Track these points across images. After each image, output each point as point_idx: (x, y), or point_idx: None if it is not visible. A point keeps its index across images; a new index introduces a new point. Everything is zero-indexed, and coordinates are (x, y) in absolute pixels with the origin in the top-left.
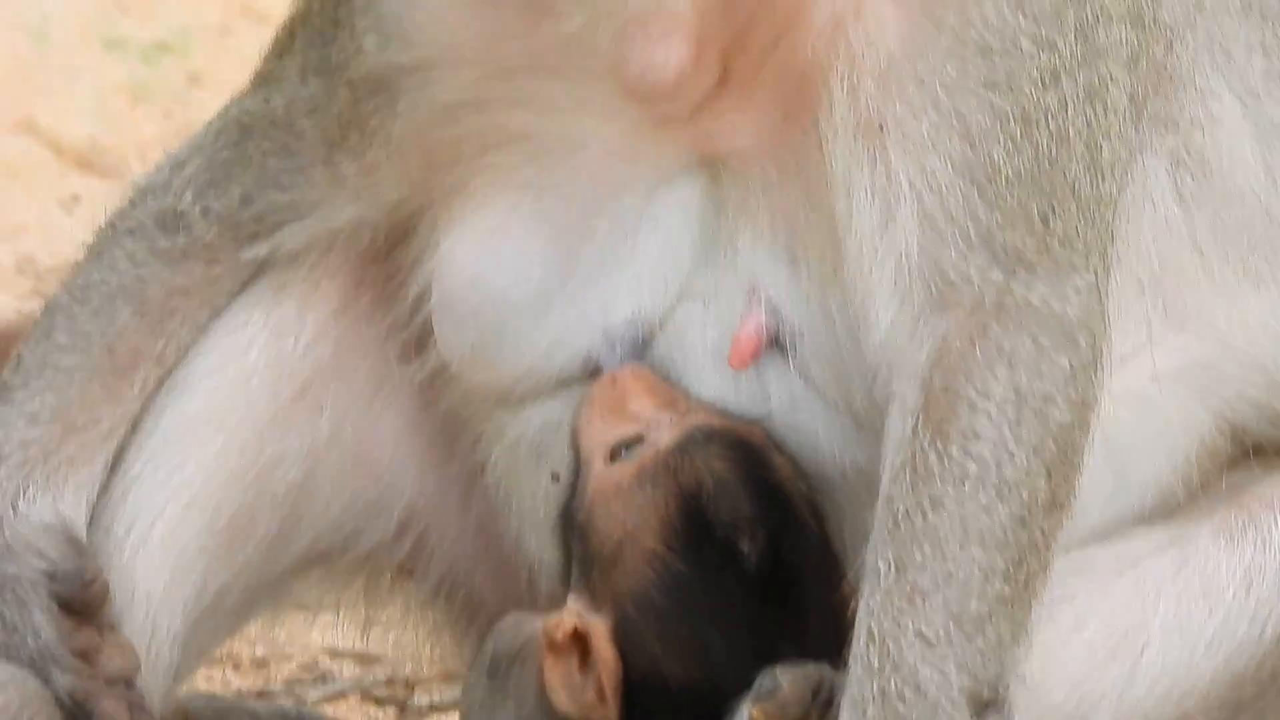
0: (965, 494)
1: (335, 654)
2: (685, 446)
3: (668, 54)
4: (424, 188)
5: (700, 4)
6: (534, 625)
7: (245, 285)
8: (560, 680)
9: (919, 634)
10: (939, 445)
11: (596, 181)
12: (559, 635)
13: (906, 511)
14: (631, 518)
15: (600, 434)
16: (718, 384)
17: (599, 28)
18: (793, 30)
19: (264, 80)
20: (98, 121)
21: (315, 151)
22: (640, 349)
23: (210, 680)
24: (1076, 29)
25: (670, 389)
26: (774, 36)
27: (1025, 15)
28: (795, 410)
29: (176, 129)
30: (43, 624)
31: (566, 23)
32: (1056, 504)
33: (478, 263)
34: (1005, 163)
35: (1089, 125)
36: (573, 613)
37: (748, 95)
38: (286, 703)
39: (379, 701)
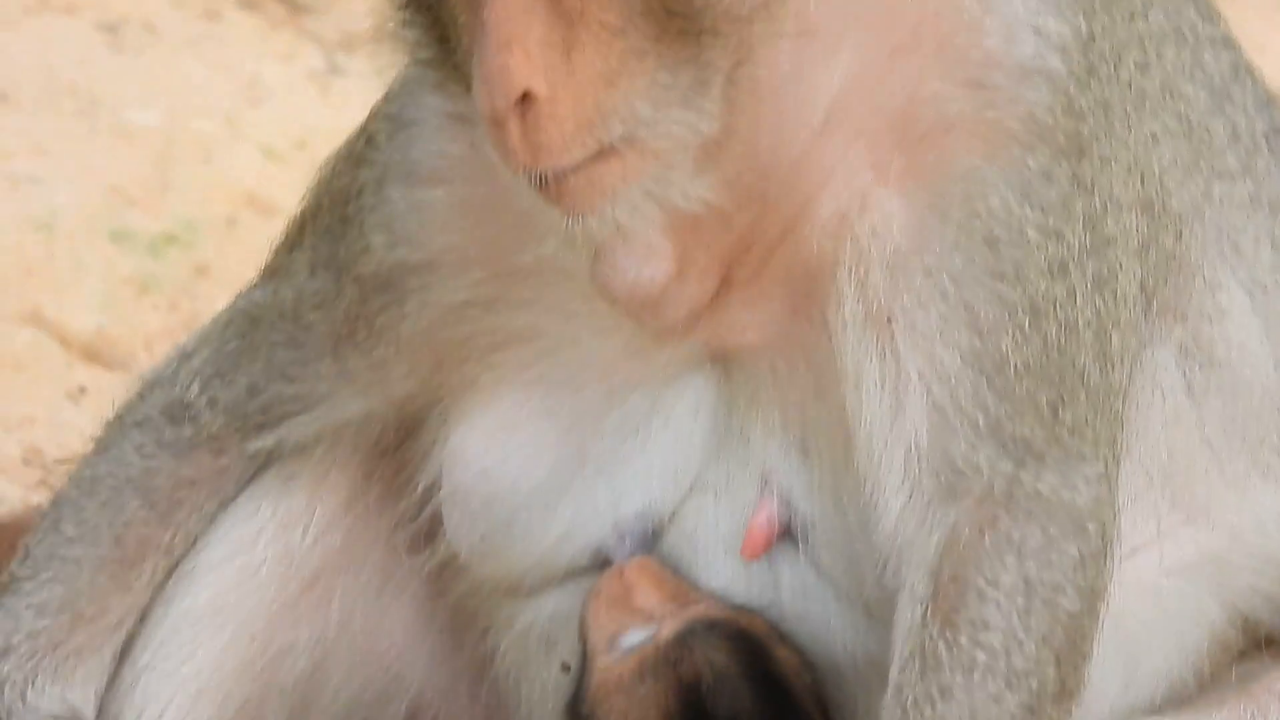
0: (974, 683)
1: None
2: (685, 639)
3: (654, 271)
4: (433, 383)
5: (680, 225)
6: None
7: (254, 475)
8: None
9: None
10: (948, 634)
11: (605, 377)
12: None
13: (915, 700)
14: (634, 711)
15: (605, 627)
16: (729, 574)
17: (575, 251)
18: (798, 226)
19: (273, 273)
20: (105, 313)
21: (323, 345)
22: (650, 541)
23: None
24: (1084, 218)
25: (677, 581)
26: (779, 234)
27: (1032, 206)
28: (806, 599)
29: (184, 321)
30: None
31: (544, 246)
32: (1066, 692)
33: (488, 456)
34: (1014, 353)
35: (1098, 315)
36: None
37: (755, 292)
38: None
39: None
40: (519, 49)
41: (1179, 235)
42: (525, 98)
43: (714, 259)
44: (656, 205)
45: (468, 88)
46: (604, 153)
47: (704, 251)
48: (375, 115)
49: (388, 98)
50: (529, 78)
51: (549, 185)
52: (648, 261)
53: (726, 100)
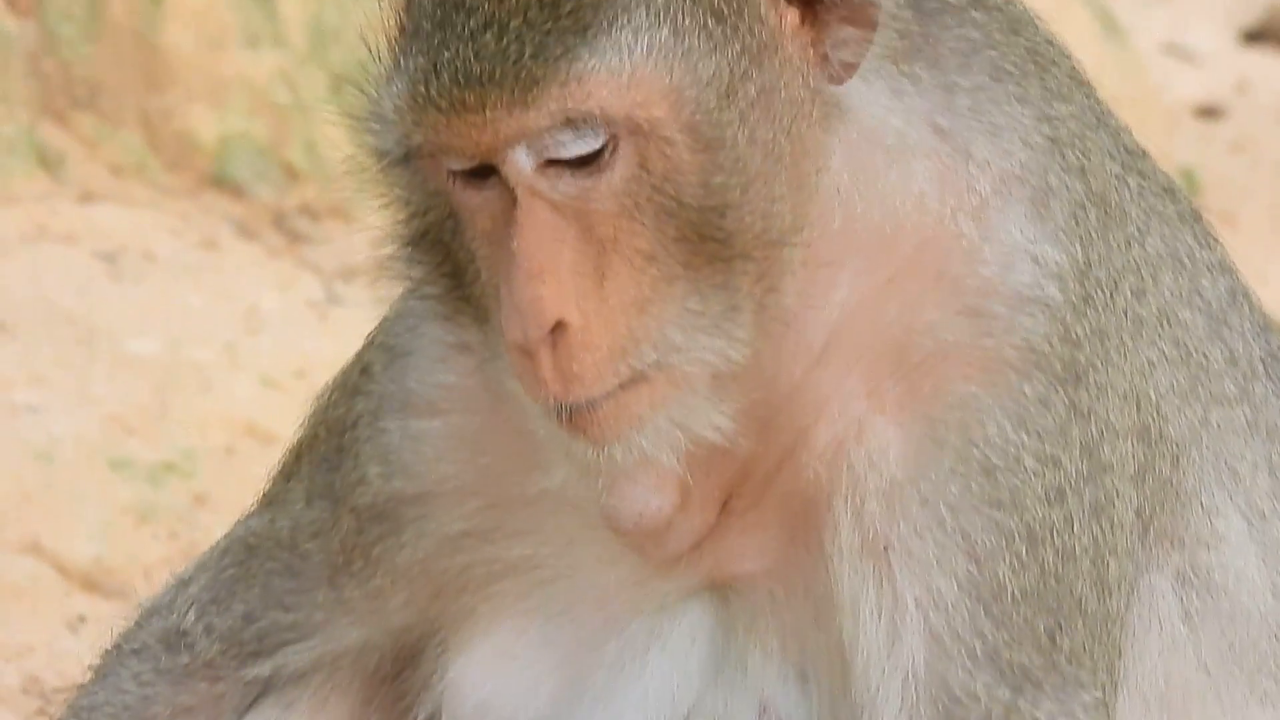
0: None
1: None
2: None
3: (661, 502)
4: (430, 613)
5: (691, 454)
6: None
7: (252, 703)
8: None
9: None
10: None
11: (604, 606)
12: None
13: None
14: None
15: None
16: None
17: (585, 483)
18: (795, 454)
19: (270, 501)
20: (104, 542)
21: (320, 574)
22: None
23: None
24: (1082, 445)
25: None
26: (777, 462)
27: (1029, 433)
28: None
29: (182, 550)
30: None
31: (550, 477)
32: None
33: (486, 687)
34: (1011, 580)
35: (1095, 542)
36: None
37: (753, 519)
38: None
39: None
40: (551, 278)
41: (1176, 461)
42: (557, 327)
43: (716, 488)
44: (681, 433)
45: (477, 319)
46: (634, 380)
47: (708, 481)
48: (370, 345)
49: (382, 327)
50: (562, 307)
51: (576, 415)
52: (655, 493)
53: (757, 327)
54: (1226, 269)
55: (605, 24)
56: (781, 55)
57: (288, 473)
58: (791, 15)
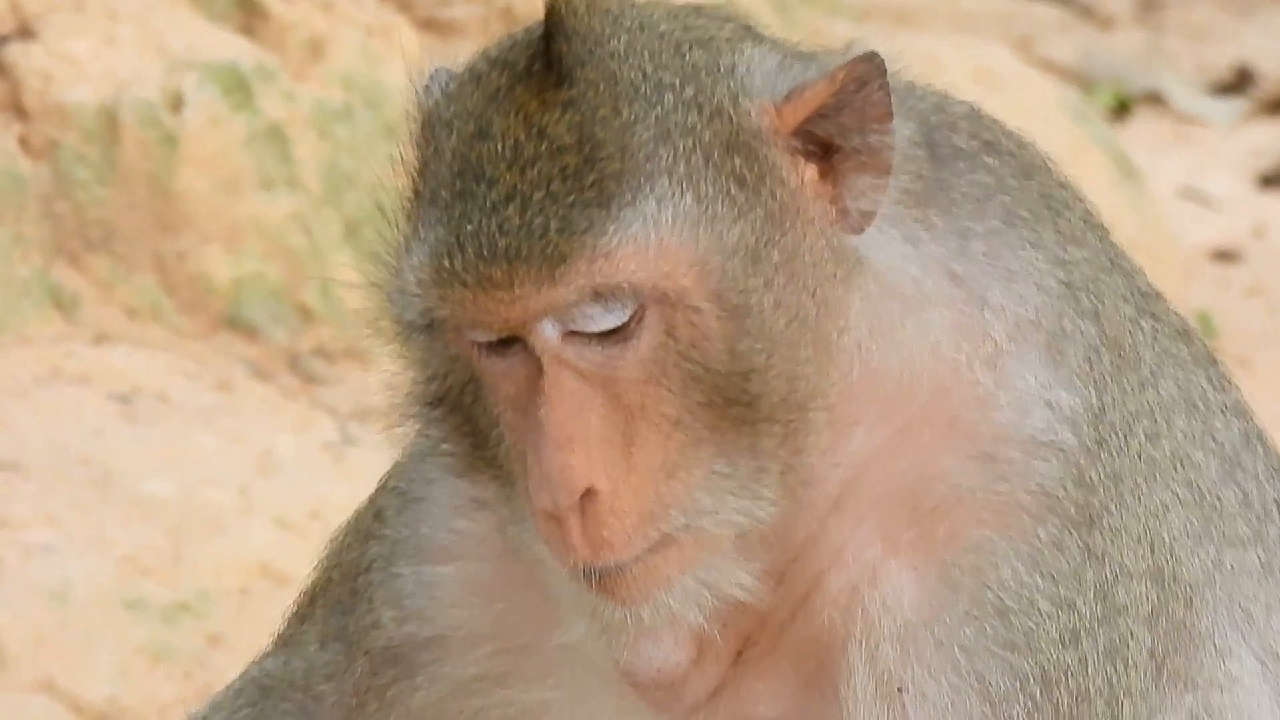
0: None
1: None
2: None
3: (679, 656)
4: None
5: (713, 611)
6: None
7: None
8: None
9: None
10: None
11: None
12: None
13: None
14: None
15: None
16: None
17: (606, 640)
18: (809, 602)
19: (284, 643)
20: (118, 683)
21: (333, 716)
22: None
23: None
24: (1096, 588)
25: None
26: (791, 610)
27: (1043, 576)
28: None
29: (196, 690)
30: None
31: (569, 632)
32: None
33: None
34: None
35: (1110, 684)
36: None
37: (768, 667)
38: None
39: None
40: (580, 447)
41: (1189, 603)
42: (586, 494)
43: (733, 639)
44: (709, 593)
45: (498, 480)
46: (663, 543)
47: (725, 633)
48: (384, 489)
49: (395, 471)
50: (590, 475)
51: (604, 578)
52: (672, 647)
53: (783, 486)
54: (1241, 412)
55: (629, 195)
56: (804, 216)
57: (302, 615)
58: (810, 172)
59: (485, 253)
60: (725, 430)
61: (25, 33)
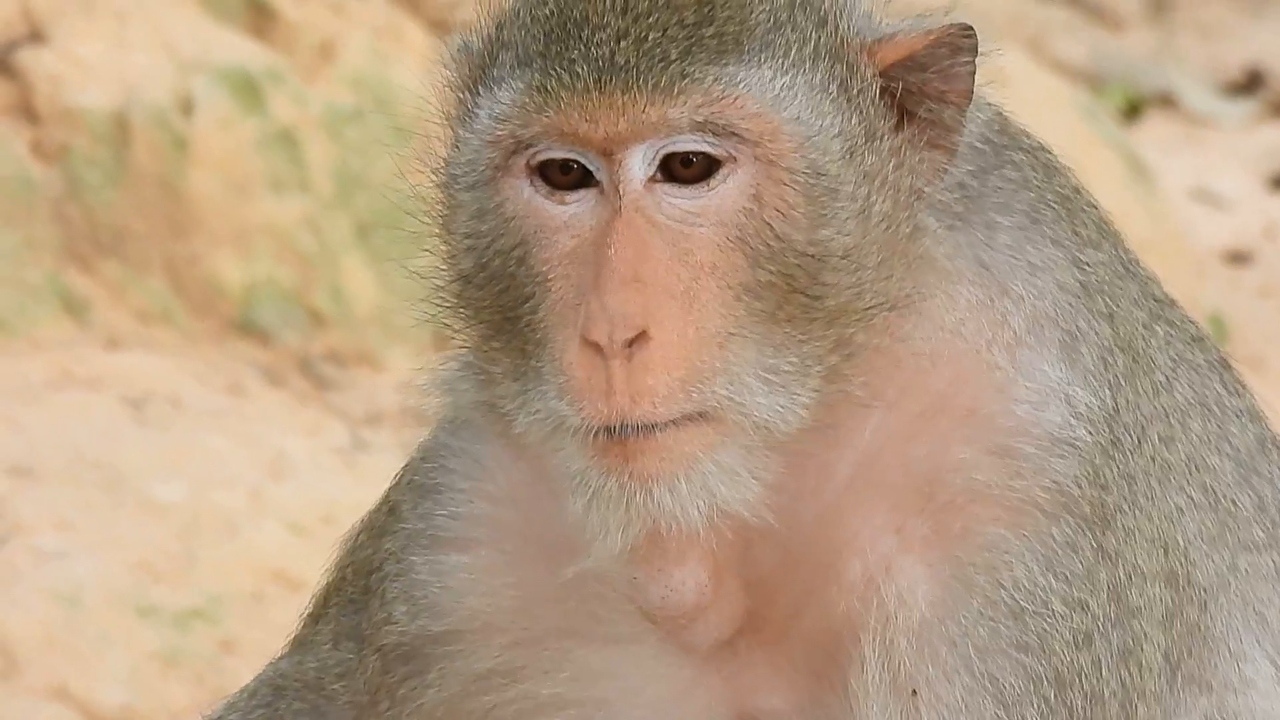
0: None
1: None
2: None
3: (684, 575)
4: None
5: (717, 533)
6: None
7: None
8: None
9: None
10: None
11: None
12: None
13: None
14: None
15: None
16: None
17: (616, 562)
18: (824, 585)
19: (298, 644)
20: (130, 689)
21: (345, 715)
22: None
23: None
24: (1109, 589)
25: None
26: (804, 590)
27: (1056, 577)
28: None
29: (209, 695)
30: None
31: (586, 558)
32: None
33: None
34: None
35: (1123, 686)
36: None
37: (780, 650)
38: None
39: None
40: (645, 287)
41: (1204, 606)
42: (639, 339)
43: (740, 588)
44: (719, 493)
45: (514, 374)
46: (695, 416)
47: (731, 577)
48: (398, 484)
49: (409, 467)
50: (649, 316)
51: (628, 442)
52: (685, 575)
53: (819, 400)
54: (1256, 416)
55: (747, 55)
56: (889, 145)
57: (315, 615)
58: (893, 119)
59: (600, 65)
60: (782, 320)
61: (35, 37)
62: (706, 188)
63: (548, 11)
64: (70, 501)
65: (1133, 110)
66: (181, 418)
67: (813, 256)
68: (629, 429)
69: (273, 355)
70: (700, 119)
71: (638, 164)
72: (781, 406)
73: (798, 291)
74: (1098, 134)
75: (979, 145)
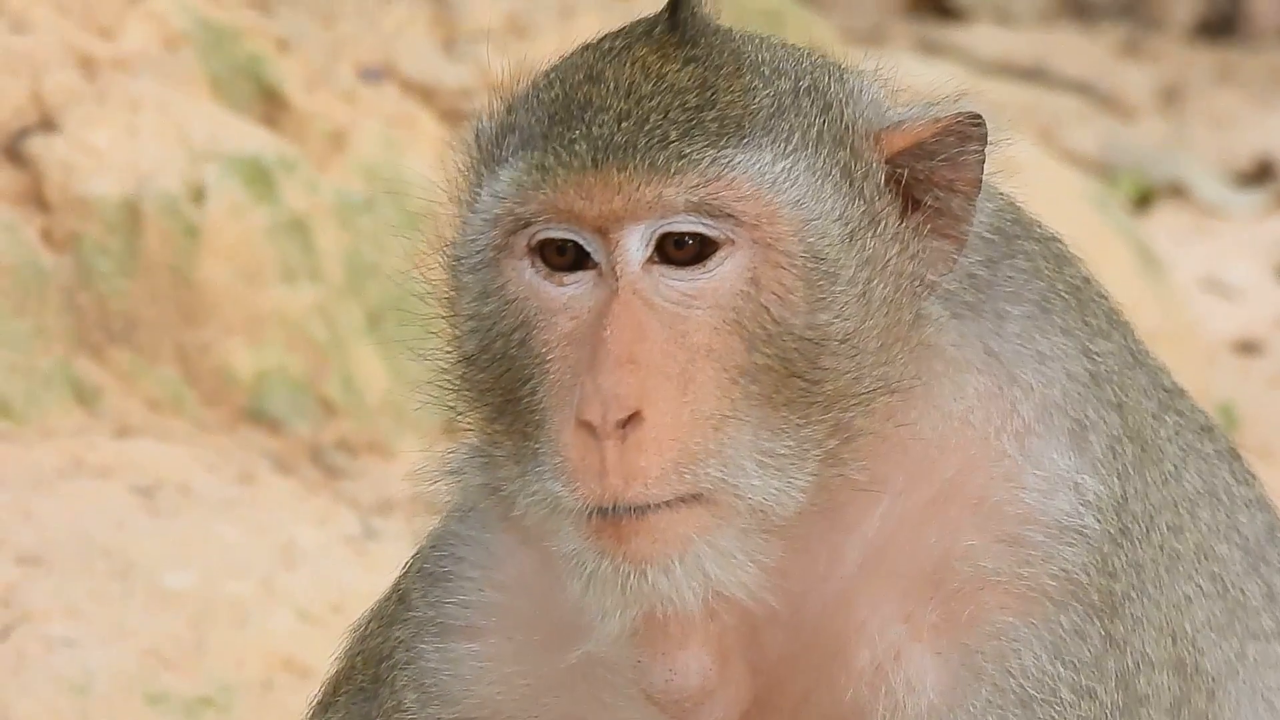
0: None
1: None
2: None
3: (688, 659)
4: None
5: (720, 617)
6: None
7: None
8: None
9: None
10: None
11: None
12: None
13: None
14: None
15: None
16: None
17: (619, 625)
18: (832, 672)
19: None
20: None
21: None
22: None
23: None
24: (1117, 677)
25: None
26: (812, 676)
27: (1065, 664)
28: None
29: None
30: None
31: (590, 642)
32: None
33: None
34: None
35: None
36: None
37: None
38: None
39: None
40: (639, 369)
41: (1212, 695)
42: (633, 419)
43: (747, 673)
44: (713, 576)
45: (514, 452)
46: (690, 498)
47: (739, 662)
48: (408, 573)
49: (419, 555)
50: (643, 397)
51: (621, 523)
52: (689, 659)
53: (816, 484)
54: (1265, 505)
55: (748, 139)
56: (893, 231)
57: (325, 704)
58: (899, 206)
59: (600, 144)
60: (779, 403)
61: (47, 124)
62: (704, 270)
63: (554, 95)
64: (80, 589)
65: (1143, 200)
66: (192, 506)
67: (811, 340)
68: (622, 510)
69: (283, 444)
70: (695, 199)
71: (635, 245)
72: (777, 489)
73: (795, 375)
74: (1108, 224)
75: (989, 235)
